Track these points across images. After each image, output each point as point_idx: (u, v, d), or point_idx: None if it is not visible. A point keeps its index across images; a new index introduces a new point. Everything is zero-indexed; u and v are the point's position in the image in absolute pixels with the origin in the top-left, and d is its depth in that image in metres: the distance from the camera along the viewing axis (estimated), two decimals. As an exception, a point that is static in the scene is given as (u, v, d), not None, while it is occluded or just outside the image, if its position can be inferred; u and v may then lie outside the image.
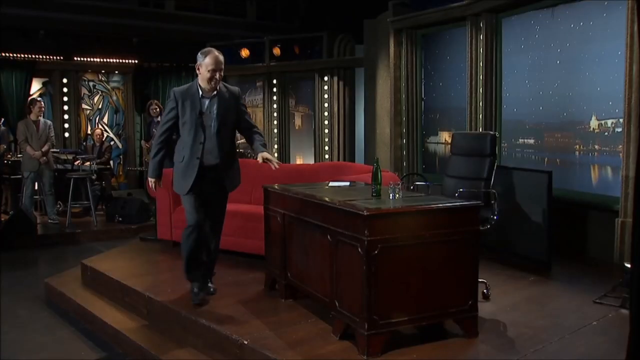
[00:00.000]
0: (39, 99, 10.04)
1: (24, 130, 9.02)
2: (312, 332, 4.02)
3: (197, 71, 4.52)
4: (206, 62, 4.45)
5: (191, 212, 4.63)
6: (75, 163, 10.07)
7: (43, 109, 9.26)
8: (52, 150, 9.46)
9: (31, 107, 9.22)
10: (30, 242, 8.40)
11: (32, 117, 9.12)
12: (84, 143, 12.35)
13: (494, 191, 4.78)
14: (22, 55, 11.59)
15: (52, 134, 9.37)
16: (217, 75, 4.48)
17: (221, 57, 4.52)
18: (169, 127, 4.61)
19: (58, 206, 10.02)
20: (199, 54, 4.52)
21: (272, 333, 4.01)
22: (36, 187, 9.45)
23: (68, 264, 7.03)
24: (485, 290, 4.67)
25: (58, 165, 10.10)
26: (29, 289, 6.38)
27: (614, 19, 5.92)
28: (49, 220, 9.33)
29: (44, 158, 9.09)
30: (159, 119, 9.82)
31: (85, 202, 9.75)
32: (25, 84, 11.76)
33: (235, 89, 4.77)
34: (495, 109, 7.48)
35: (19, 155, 10.36)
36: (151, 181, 4.71)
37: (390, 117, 9.28)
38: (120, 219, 9.35)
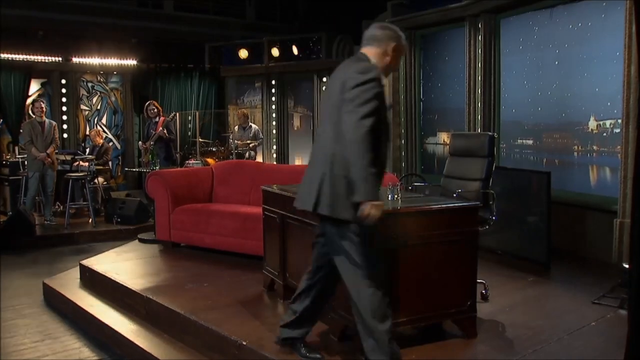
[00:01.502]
0: (37, 99, 10.03)
1: (29, 130, 9.10)
2: (311, 332, 4.02)
3: (385, 52, 3.33)
4: (403, 45, 3.40)
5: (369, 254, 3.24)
6: (75, 164, 10.07)
7: (43, 109, 9.30)
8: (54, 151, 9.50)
9: (33, 108, 9.35)
10: (29, 242, 8.40)
11: (37, 117, 9.20)
12: (83, 144, 12.34)
13: (493, 192, 4.78)
14: (21, 56, 11.57)
15: (57, 135, 9.44)
16: None
17: None
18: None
19: (56, 207, 10.03)
20: (391, 32, 3.37)
21: (271, 334, 4.00)
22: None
23: (66, 265, 7.03)
24: (484, 291, 4.68)
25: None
26: (27, 290, 6.36)
27: (612, 20, 5.93)
28: (45, 221, 9.34)
29: (49, 159, 9.13)
30: (157, 119, 9.81)
31: (84, 203, 9.76)
32: (23, 85, 11.75)
33: None
34: (493, 110, 7.49)
35: (18, 156, 10.38)
36: (378, 207, 3.04)
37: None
38: (119, 219, 9.35)
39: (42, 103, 9.43)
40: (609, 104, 6.05)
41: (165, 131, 9.63)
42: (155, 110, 9.88)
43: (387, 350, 3.21)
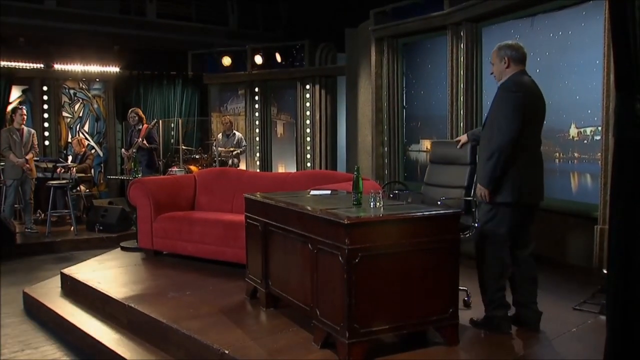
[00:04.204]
0: (20, 107, 9.98)
1: (7, 137, 9.01)
2: (294, 341, 4.01)
3: (507, 66, 4.27)
4: None
5: None
6: (57, 171, 10.00)
7: (25, 116, 9.26)
8: (34, 158, 9.43)
9: (13, 115, 9.26)
10: (9, 251, 8.30)
11: (15, 125, 9.13)
12: (64, 151, 12.25)
13: (475, 199, 4.80)
14: (1, 63, 11.47)
15: (36, 142, 9.37)
16: None
17: None
18: None
19: (38, 215, 9.94)
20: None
21: (254, 342, 3.99)
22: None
23: (47, 274, 6.96)
24: (466, 298, 4.70)
25: (38, 174, 10.02)
26: (7, 299, 6.29)
27: (592, 29, 5.98)
28: (26, 229, 9.25)
29: (27, 166, 9.06)
30: (140, 126, 9.76)
31: (65, 211, 9.69)
32: (4, 92, 11.65)
33: None
34: (476, 117, 7.53)
35: (0, 164, 10.28)
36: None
37: (371, 125, 9.32)
38: (101, 227, 9.29)
39: (23, 111, 9.37)
40: (589, 111, 6.11)
41: (145, 142, 9.57)
42: (137, 118, 9.81)
43: None
